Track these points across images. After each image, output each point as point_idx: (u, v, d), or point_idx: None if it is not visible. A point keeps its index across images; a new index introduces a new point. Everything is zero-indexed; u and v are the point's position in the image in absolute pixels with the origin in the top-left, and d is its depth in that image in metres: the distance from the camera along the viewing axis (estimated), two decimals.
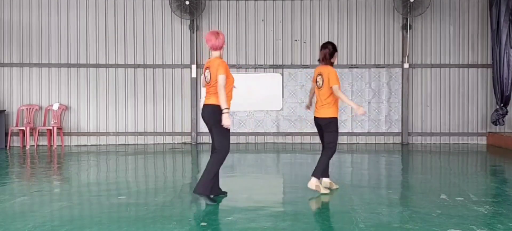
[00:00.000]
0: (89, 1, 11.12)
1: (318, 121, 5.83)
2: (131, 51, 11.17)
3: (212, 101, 5.21)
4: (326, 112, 5.74)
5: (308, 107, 6.23)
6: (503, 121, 10.71)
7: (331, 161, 6.13)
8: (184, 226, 4.29)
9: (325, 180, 5.94)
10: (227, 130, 5.20)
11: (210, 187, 5.21)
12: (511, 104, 10.80)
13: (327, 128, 5.76)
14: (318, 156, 5.96)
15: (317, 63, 6.06)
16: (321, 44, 6.25)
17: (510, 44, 10.46)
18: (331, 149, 5.76)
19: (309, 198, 5.71)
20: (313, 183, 5.73)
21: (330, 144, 5.76)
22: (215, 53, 5.31)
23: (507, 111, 10.66)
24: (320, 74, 5.76)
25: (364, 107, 11.10)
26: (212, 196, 5.31)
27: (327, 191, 5.78)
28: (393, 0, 10.91)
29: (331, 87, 5.66)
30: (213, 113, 5.18)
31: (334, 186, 6.00)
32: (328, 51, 5.78)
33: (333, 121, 5.71)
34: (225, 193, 5.64)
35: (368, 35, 11.18)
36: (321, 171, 5.76)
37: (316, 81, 5.81)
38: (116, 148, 10.68)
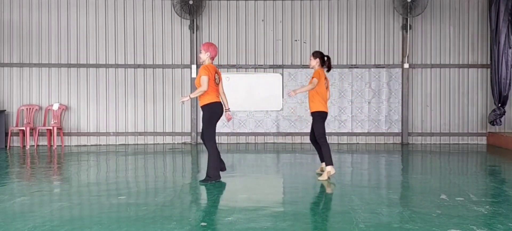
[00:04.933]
0: (89, 1, 11.12)
1: (326, 115, 6.84)
2: (131, 51, 11.17)
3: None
4: None
5: None
6: (501, 121, 10.70)
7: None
8: (184, 226, 4.28)
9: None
10: None
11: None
12: (509, 104, 10.80)
13: None
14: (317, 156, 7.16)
15: None
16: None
17: (509, 45, 10.46)
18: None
19: (309, 198, 5.73)
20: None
21: None
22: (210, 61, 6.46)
23: (504, 112, 10.66)
24: (326, 78, 6.82)
25: (364, 107, 11.14)
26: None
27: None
28: (393, 0, 10.92)
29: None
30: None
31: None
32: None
33: None
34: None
35: (368, 35, 11.18)
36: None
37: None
38: (116, 148, 10.68)
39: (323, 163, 6.77)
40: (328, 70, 6.84)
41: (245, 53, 11.23)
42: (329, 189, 6.11)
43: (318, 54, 6.79)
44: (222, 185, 6.39)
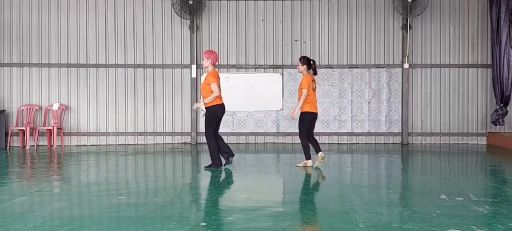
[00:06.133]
0: (89, 1, 11.12)
1: (316, 116, 7.54)
2: (131, 51, 11.17)
3: None
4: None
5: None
6: (503, 121, 10.70)
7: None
8: (184, 226, 4.28)
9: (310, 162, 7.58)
10: None
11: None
12: (511, 104, 10.80)
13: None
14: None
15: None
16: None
17: (510, 45, 10.45)
18: None
19: (309, 198, 5.72)
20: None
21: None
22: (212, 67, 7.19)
23: (507, 112, 10.66)
24: (314, 81, 7.47)
25: (364, 107, 11.14)
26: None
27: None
28: (393, 0, 10.92)
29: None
30: None
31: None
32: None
33: None
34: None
35: (368, 35, 11.17)
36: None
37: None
38: (116, 148, 10.68)
39: (320, 152, 7.40)
40: (315, 74, 7.50)
41: (245, 53, 11.22)
42: (328, 188, 6.11)
43: (305, 60, 7.47)
44: (222, 185, 6.39)
